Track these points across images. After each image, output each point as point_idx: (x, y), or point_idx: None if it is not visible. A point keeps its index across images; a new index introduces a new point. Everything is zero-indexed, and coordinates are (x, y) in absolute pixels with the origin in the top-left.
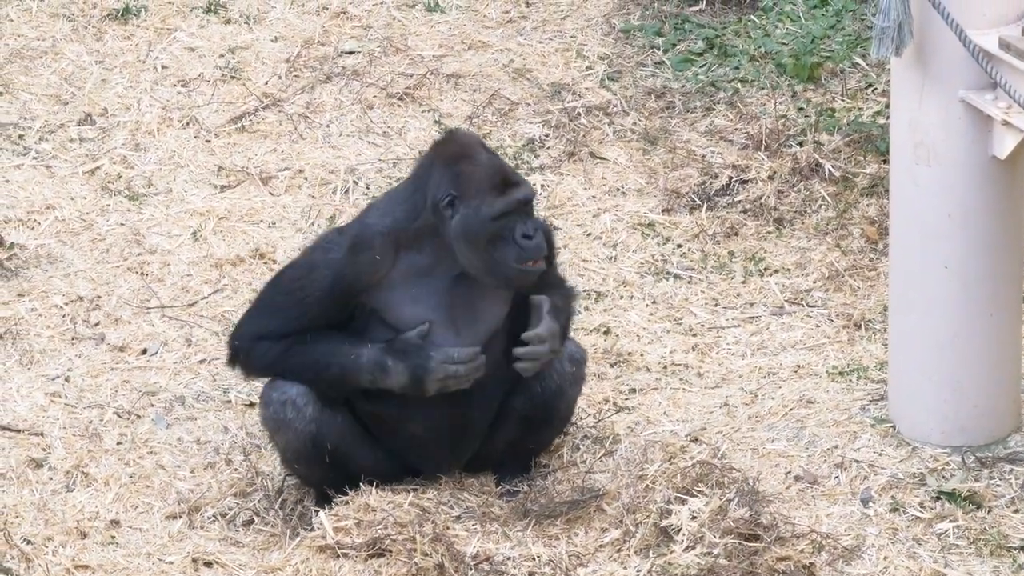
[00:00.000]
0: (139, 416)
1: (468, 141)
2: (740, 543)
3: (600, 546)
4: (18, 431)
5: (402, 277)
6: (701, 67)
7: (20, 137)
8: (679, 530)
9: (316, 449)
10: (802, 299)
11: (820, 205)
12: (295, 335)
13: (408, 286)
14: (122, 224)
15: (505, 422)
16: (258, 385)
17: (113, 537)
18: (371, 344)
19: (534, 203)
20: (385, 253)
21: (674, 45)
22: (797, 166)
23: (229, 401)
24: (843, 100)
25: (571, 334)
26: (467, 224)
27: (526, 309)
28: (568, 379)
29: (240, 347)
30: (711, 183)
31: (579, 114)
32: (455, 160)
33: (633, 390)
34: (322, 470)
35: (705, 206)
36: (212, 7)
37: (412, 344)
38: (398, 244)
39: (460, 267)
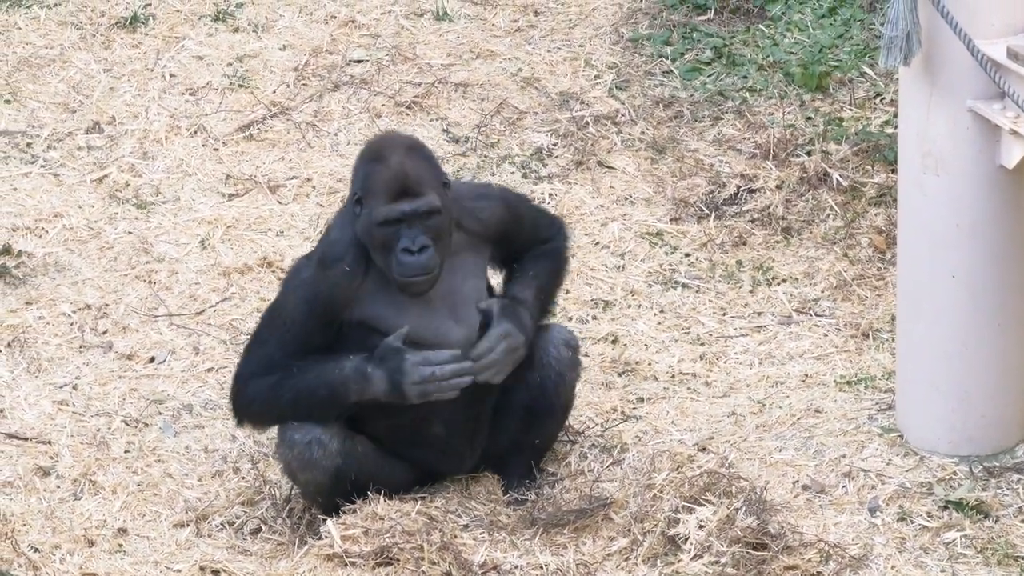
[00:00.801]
0: (147, 424)
1: (391, 142)
2: (748, 552)
3: (608, 555)
4: (26, 439)
5: (379, 285)
6: (709, 76)
7: (28, 145)
8: (687, 539)
9: (339, 483)
10: (810, 308)
11: (828, 214)
12: (284, 367)
13: (389, 292)
14: (130, 232)
15: (507, 416)
16: None
17: (120, 545)
18: (353, 356)
19: (441, 216)
20: (356, 263)
21: (682, 54)
22: (805, 175)
23: None
24: (851, 109)
25: (577, 338)
26: (363, 226)
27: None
28: (566, 364)
29: (237, 391)
30: (719, 192)
31: (587, 123)
32: (368, 160)
33: (641, 399)
34: (344, 498)
35: (713, 215)
36: (220, 15)
37: (390, 348)
38: (367, 253)
39: None
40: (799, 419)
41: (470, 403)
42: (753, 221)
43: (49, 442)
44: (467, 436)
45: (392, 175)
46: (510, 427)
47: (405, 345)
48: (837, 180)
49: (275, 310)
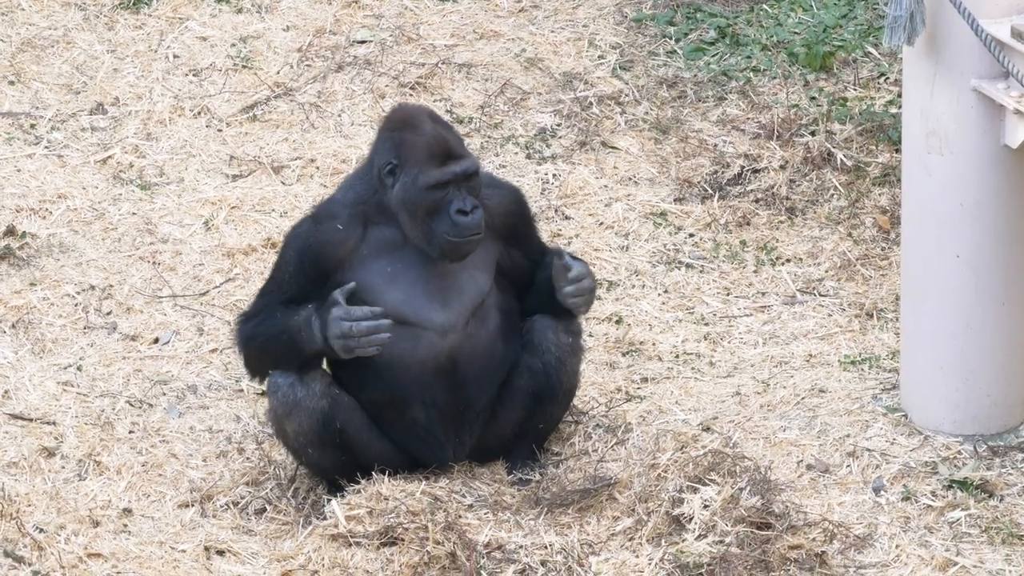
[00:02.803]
0: (151, 405)
1: (415, 111)
2: (752, 531)
3: (612, 534)
4: (30, 420)
5: (374, 252)
6: (713, 56)
7: (32, 126)
8: (691, 519)
9: (327, 430)
10: (814, 288)
11: (832, 194)
12: (271, 312)
13: (383, 263)
14: (134, 213)
15: (510, 402)
16: None
17: (125, 525)
18: (314, 306)
19: (479, 178)
20: (351, 225)
21: (686, 34)
22: (809, 155)
23: (241, 390)
24: (855, 89)
25: (579, 323)
26: (405, 193)
27: (515, 279)
28: (567, 350)
29: (233, 335)
30: (723, 172)
31: (591, 103)
32: (398, 128)
33: (645, 379)
34: (333, 455)
35: (717, 195)
36: None
37: (330, 300)
38: (365, 218)
39: None
40: (803, 399)
41: (451, 387)
42: (757, 201)
43: (54, 423)
44: (451, 426)
45: (433, 140)
46: (513, 413)
47: (356, 305)
48: (841, 160)
49: (275, 264)
